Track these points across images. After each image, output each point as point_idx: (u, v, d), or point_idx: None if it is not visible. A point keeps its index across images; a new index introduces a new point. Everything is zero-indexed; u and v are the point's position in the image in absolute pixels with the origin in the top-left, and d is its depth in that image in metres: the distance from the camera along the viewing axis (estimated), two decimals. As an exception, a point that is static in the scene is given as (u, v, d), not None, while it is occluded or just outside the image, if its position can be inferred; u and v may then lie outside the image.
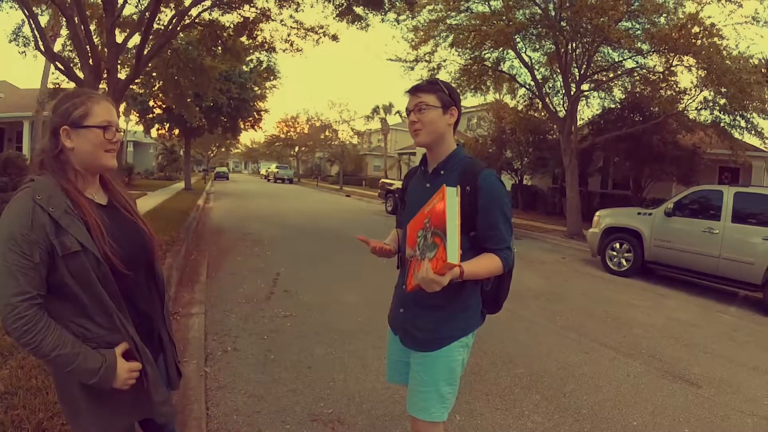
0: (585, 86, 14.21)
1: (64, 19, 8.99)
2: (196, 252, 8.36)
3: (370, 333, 4.58)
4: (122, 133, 1.55)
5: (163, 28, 10.56)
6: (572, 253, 11.13)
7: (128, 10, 10.86)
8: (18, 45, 11.10)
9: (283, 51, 12.32)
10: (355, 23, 11.22)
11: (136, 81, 13.09)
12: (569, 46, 12.89)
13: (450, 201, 1.53)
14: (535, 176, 21.68)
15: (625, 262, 8.66)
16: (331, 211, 18.20)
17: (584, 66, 13.35)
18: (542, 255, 10.51)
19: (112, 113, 1.48)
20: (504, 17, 11.89)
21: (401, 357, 2.04)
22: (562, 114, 14.43)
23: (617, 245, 8.80)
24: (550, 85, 15.28)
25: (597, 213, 9.65)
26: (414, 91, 1.86)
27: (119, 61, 10.27)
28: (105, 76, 9.02)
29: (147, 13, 9.26)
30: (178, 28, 10.21)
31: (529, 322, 5.39)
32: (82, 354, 1.33)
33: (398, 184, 18.34)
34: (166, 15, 11.02)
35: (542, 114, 16.92)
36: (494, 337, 4.68)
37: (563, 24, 11.96)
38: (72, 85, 10.75)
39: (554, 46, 13.02)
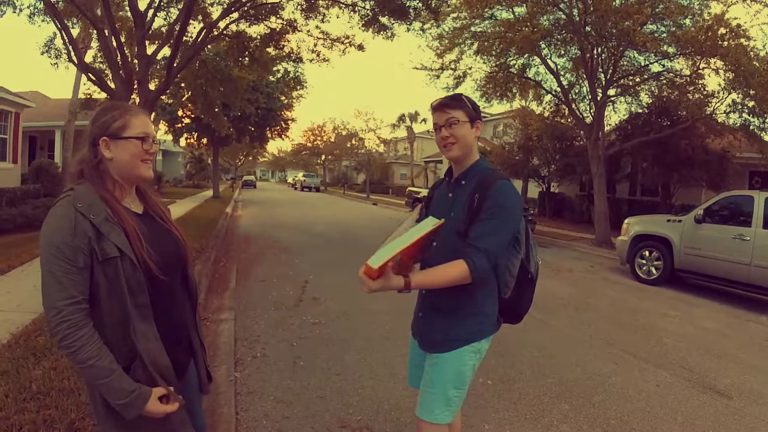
0: (611, 91, 14.05)
1: (95, 31, 9.28)
2: (225, 259, 8.54)
3: (397, 340, 4.62)
4: (158, 145, 1.62)
5: (191, 40, 10.83)
6: (601, 261, 10.99)
7: (158, 23, 11.18)
8: (50, 57, 11.46)
9: (310, 61, 12.54)
10: (381, 33, 11.31)
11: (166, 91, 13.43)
12: (594, 51, 12.78)
13: (422, 223, 1.65)
14: (563, 183, 21.42)
15: (654, 270, 8.52)
16: (357, 219, 18.29)
17: (610, 71, 13.23)
18: (570, 263, 10.40)
19: (149, 125, 1.54)
20: (528, 24, 11.87)
21: (420, 361, 2.09)
22: (589, 120, 14.28)
23: (646, 253, 8.67)
24: (576, 90, 15.18)
25: (626, 220, 9.53)
26: (442, 107, 1.89)
27: (149, 73, 10.56)
28: (136, 87, 9.28)
29: (176, 26, 9.49)
30: (207, 40, 10.44)
31: (557, 331, 5.37)
32: (117, 373, 1.36)
33: (425, 192, 18.34)
34: (194, 27, 11.30)
35: (569, 120, 16.79)
36: (523, 346, 4.68)
37: (588, 29, 11.87)
38: (103, 95, 11.08)
39: (579, 51, 12.92)
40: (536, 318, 5.64)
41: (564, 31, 12.46)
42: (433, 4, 10.74)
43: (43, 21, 10.26)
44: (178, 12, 10.46)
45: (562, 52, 13.80)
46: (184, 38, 10.76)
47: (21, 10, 9.61)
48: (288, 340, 4.60)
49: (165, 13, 11.14)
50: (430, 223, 1.66)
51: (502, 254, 1.82)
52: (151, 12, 9.69)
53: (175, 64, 9.57)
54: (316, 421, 3.12)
